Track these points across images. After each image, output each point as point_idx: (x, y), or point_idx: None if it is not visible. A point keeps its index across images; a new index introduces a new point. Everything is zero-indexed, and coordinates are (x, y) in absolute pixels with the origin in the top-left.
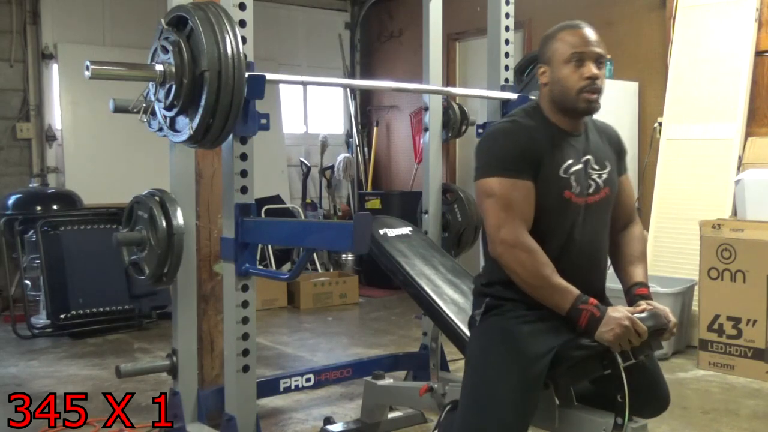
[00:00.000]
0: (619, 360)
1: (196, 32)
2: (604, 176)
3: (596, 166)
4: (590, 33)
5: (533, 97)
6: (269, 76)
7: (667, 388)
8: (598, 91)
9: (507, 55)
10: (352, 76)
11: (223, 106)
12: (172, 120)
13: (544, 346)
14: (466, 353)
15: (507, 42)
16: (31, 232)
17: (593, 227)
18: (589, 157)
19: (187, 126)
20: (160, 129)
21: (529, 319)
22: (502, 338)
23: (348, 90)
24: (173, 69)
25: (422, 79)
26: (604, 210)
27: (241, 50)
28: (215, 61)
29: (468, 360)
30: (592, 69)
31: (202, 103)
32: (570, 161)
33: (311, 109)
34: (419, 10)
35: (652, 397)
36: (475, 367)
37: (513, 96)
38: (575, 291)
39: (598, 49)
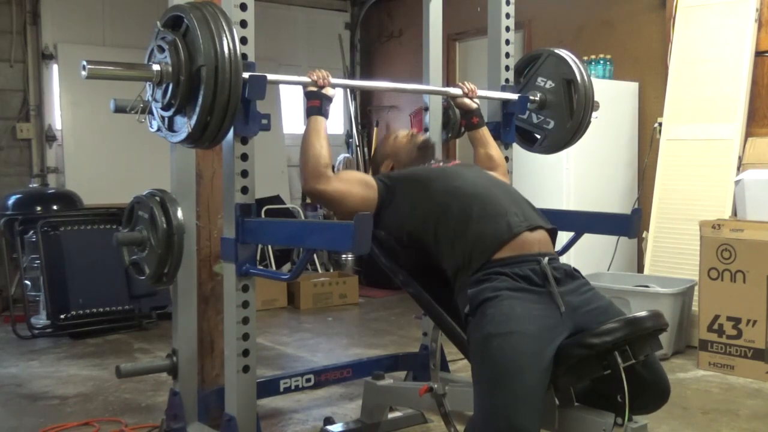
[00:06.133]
0: (619, 360)
1: (192, 29)
2: None
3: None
4: None
5: (533, 98)
6: (270, 76)
7: (667, 379)
8: None
9: (507, 55)
10: (352, 76)
11: (221, 103)
12: (170, 120)
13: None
14: (469, 347)
15: (507, 42)
16: (31, 232)
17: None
18: None
19: (185, 125)
20: (160, 129)
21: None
22: (502, 312)
23: (348, 90)
24: (170, 68)
25: (422, 79)
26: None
27: (237, 47)
28: (212, 56)
29: (474, 349)
30: None
31: (200, 100)
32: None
33: None
34: (419, 10)
35: (657, 391)
36: (483, 351)
37: (513, 96)
38: None
39: None
